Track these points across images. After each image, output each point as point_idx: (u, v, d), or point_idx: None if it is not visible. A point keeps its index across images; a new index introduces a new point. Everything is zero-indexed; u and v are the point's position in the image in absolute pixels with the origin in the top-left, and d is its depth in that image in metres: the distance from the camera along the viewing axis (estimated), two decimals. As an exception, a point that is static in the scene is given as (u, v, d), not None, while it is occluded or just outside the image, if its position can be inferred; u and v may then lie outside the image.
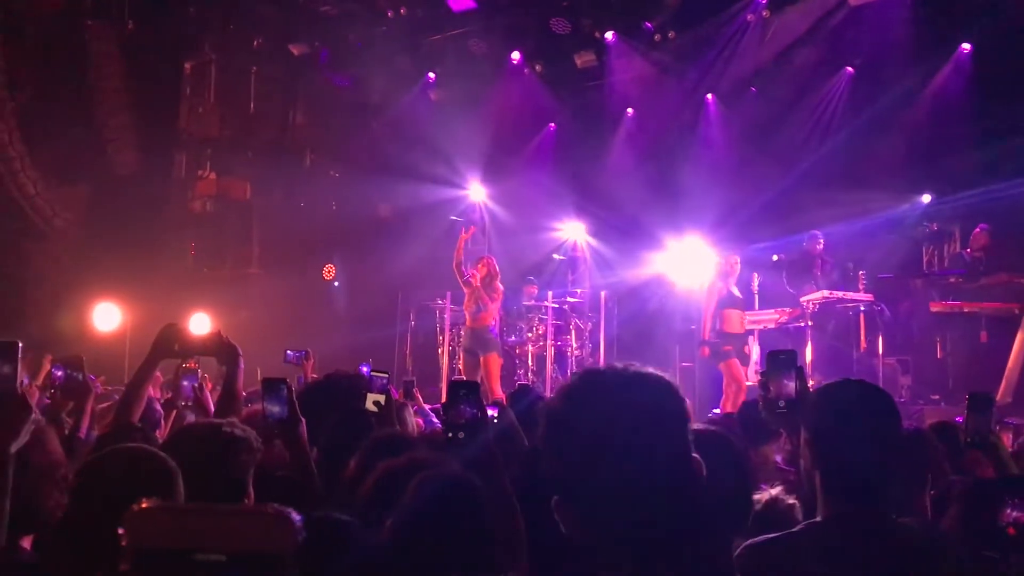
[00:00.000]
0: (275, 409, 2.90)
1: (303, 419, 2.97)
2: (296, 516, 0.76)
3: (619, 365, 1.44)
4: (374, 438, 3.03)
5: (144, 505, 0.75)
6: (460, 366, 10.31)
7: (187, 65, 13.35)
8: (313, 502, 2.56)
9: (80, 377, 3.80)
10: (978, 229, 10.21)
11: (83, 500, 2.11)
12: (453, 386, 2.93)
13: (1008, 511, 2.13)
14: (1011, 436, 6.23)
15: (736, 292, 9.64)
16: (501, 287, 10.25)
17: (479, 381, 7.02)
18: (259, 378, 5.00)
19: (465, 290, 10.22)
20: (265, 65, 13.73)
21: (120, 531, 0.75)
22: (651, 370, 1.45)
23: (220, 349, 3.49)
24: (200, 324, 10.75)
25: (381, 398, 3.71)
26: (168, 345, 3.41)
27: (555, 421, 1.42)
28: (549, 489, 1.41)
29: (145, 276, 11.75)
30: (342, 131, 13.65)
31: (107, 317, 11.24)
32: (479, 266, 10.17)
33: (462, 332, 10.62)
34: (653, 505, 1.35)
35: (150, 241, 12.41)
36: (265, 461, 3.04)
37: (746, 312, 9.99)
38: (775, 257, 11.14)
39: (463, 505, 2.16)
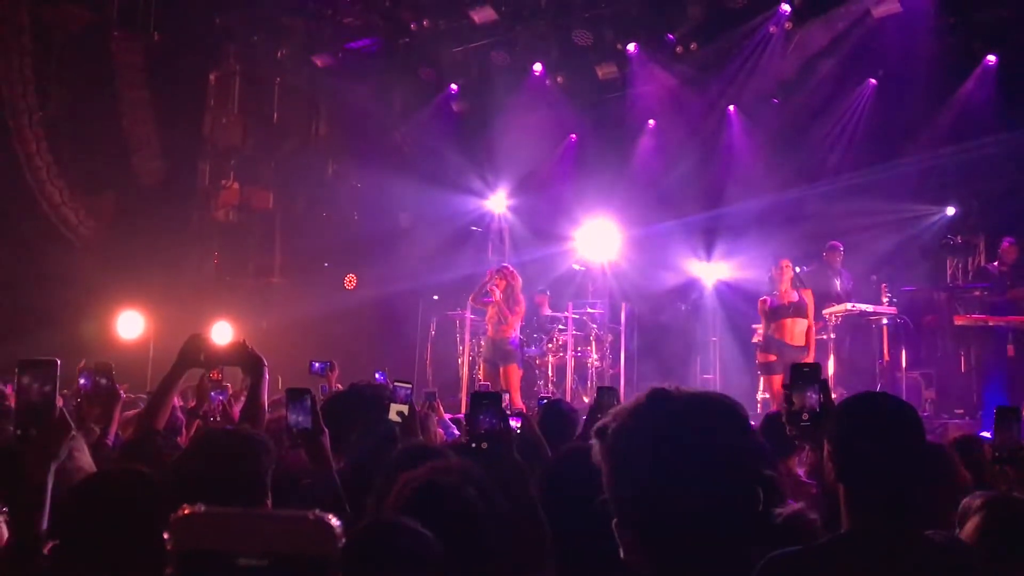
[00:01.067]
0: (299, 419, 2.92)
1: (326, 429, 2.98)
2: (336, 521, 0.77)
3: (685, 387, 1.44)
4: (402, 449, 3.04)
5: (188, 511, 0.76)
6: (480, 376, 10.34)
7: (212, 76, 13.50)
8: (337, 512, 2.57)
9: (109, 384, 3.84)
10: (1007, 243, 10.12)
11: (67, 521, 2.12)
12: (476, 397, 2.95)
13: None
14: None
15: (789, 298, 9.06)
16: (523, 298, 10.27)
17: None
18: (280, 387, 5.03)
19: (490, 307, 10.28)
20: (289, 75, 13.84)
21: (165, 535, 0.76)
22: (718, 393, 1.46)
23: (245, 359, 3.51)
24: (223, 333, 10.83)
25: (404, 408, 3.72)
26: (194, 355, 3.44)
27: (620, 442, 1.41)
28: (572, 500, 1.42)
29: (169, 285, 11.85)
30: (365, 141, 13.73)
31: (131, 325, 11.35)
32: (498, 279, 10.20)
33: (483, 343, 10.63)
34: (717, 534, 1.35)
35: (174, 250, 12.52)
36: (290, 467, 3.06)
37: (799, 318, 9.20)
38: (797, 269, 11.08)
39: (454, 518, 2.15)
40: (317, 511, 0.77)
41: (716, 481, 1.36)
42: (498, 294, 10.06)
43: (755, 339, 10.63)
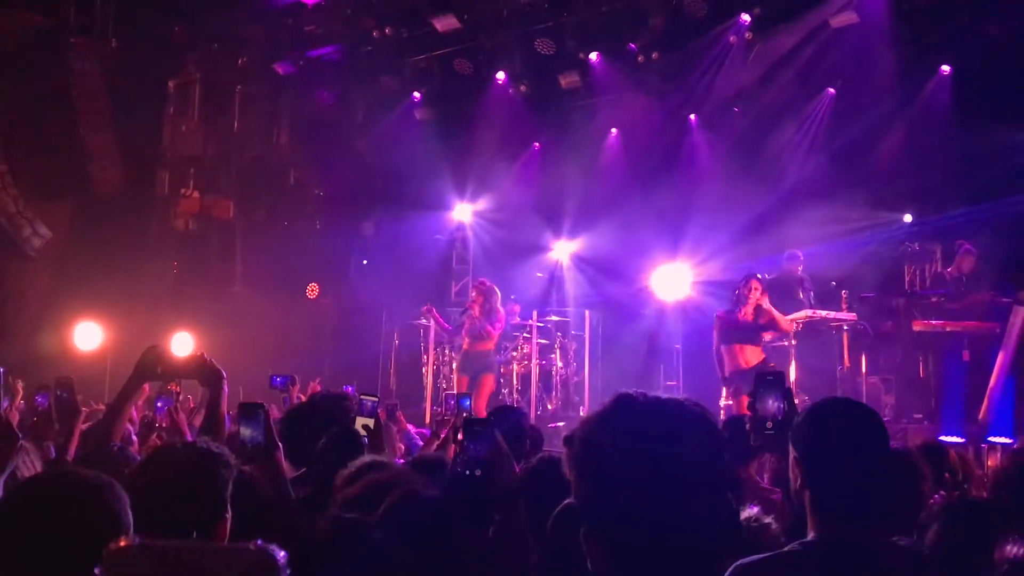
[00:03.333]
0: (251, 434, 2.86)
1: (280, 444, 2.93)
2: (280, 553, 0.74)
3: (652, 393, 1.43)
4: (359, 465, 3.01)
5: (123, 543, 0.73)
6: (455, 389, 10.11)
7: (171, 83, 13.33)
8: (292, 528, 2.53)
9: (69, 398, 3.77)
10: (963, 250, 10.27)
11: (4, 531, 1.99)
12: (468, 423, 2.91)
13: (1008, 547, 2.12)
14: (997, 456, 6.26)
15: (747, 319, 8.86)
16: (501, 309, 10.22)
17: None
18: (242, 398, 4.97)
19: (467, 320, 10.20)
20: (250, 84, 13.72)
21: (97, 570, 0.73)
22: (686, 399, 1.44)
23: (203, 372, 3.45)
24: (182, 343, 10.68)
25: (370, 422, 3.68)
26: (151, 367, 3.39)
27: (588, 450, 1.39)
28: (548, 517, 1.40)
29: (127, 295, 11.67)
30: (326, 150, 13.65)
31: (88, 336, 11.15)
32: (473, 294, 10.22)
33: (456, 355, 10.59)
34: (687, 541, 1.34)
35: (132, 260, 12.33)
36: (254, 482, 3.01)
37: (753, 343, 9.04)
38: (759, 275, 11.18)
39: (440, 527, 2.14)
40: (259, 542, 0.74)
41: (685, 488, 1.34)
42: (477, 309, 10.01)
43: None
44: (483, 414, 8.58)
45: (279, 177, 14.17)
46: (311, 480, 3.08)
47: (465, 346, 10.16)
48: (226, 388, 3.43)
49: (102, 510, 1.91)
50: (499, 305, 10.11)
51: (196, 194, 13.55)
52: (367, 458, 3.20)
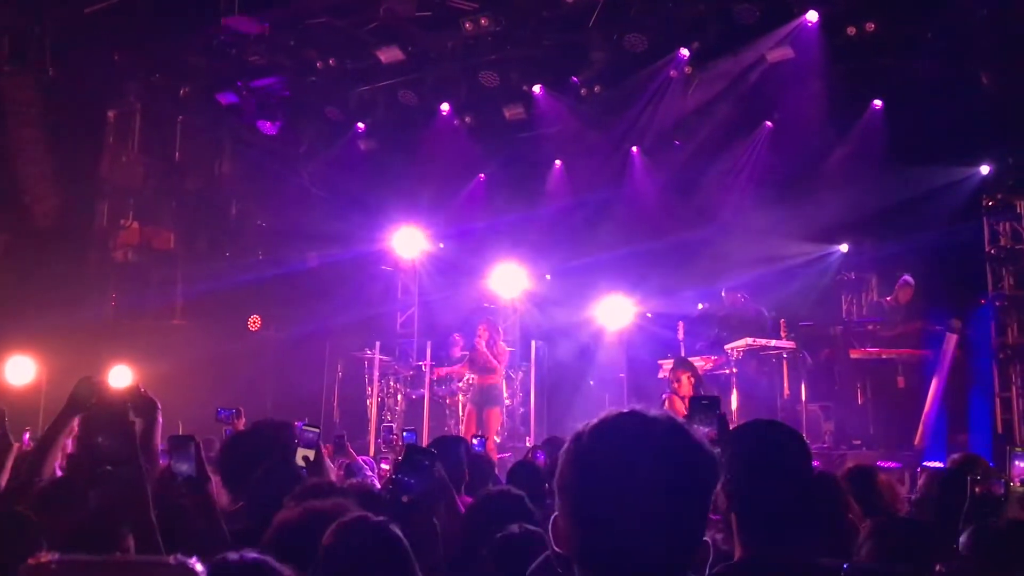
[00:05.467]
0: (183, 467, 2.82)
1: (211, 477, 2.89)
2: (199, 566, 0.74)
3: (640, 408, 1.45)
4: (306, 488, 2.98)
5: (43, 559, 0.72)
6: (463, 417, 11.10)
7: (110, 113, 13.13)
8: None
9: (0, 432, 3.67)
10: (902, 282, 10.53)
11: None
12: (411, 450, 2.89)
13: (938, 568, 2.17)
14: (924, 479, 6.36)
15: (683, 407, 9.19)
16: (504, 346, 11.06)
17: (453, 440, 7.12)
18: (181, 431, 4.88)
19: (473, 356, 10.99)
20: (191, 114, 13.58)
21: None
22: (670, 415, 1.47)
23: (137, 403, 3.39)
24: (121, 376, 10.44)
25: (311, 453, 3.63)
26: (84, 399, 3.32)
27: (573, 468, 1.41)
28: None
29: (63, 327, 11.37)
30: (270, 181, 13.55)
31: (20, 371, 10.84)
32: (480, 331, 10.96)
33: (467, 387, 11.42)
34: (665, 557, 1.36)
35: (69, 291, 12.04)
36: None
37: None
38: (700, 305, 11.35)
39: (384, 552, 2.13)
40: (178, 555, 0.74)
41: (667, 509, 1.36)
42: (483, 345, 10.75)
43: (661, 374, 10.82)
44: (493, 447, 8.98)
45: (221, 208, 14.01)
46: (248, 512, 3.04)
47: (475, 380, 11.00)
48: (160, 420, 3.37)
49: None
50: (502, 341, 11.02)
51: (136, 225, 13.31)
52: (312, 481, 3.17)
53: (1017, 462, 3.94)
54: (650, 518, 1.35)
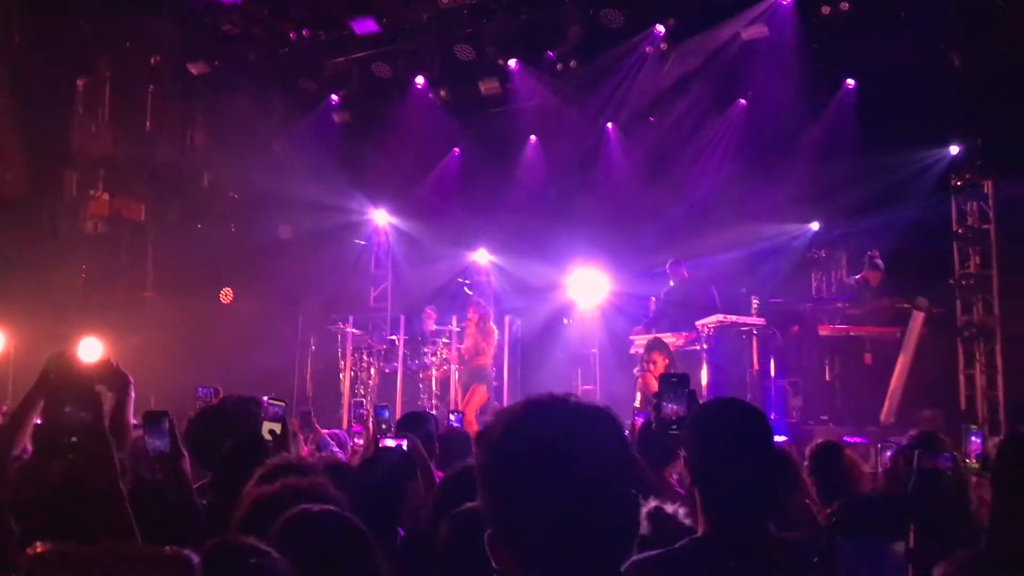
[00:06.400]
0: (156, 443, 2.82)
1: (185, 453, 2.90)
2: (194, 557, 0.76)
3: (561, 395, 1.42)
4: (273, 464, 2.99)
5: (40, 549, 0.74)
6: (456, 399, 11.27)
7: (79, 82, 12.93)
8: (197, 536, 2.51)
9: None
10: (872, 264, 10.63)
11: None
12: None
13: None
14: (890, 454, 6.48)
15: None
16: (494, 328, 11.15)
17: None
18: (153, 405, 4.87)
19: (466, 337, 11.12)
20: (163, 84, 13.40)
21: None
22: (592, 401, 1.44)
23: (110, 377, 3.39)
24: (91, 349, 10.37)
25: (277, 427, 3.63)
26: (55, 374, 3.30)
27: (493, 452, 1.39)
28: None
29: (33, 299, 11.26)
30: (242, 152, 13.42)
31: (-11, 342, 10.73)
32: (470, 313, 11.08)
33: (458, 370, 11.54)
34: (591, 539, 1.34)
35: (39, 263, 11.91)
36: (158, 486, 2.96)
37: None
38: (653, 299, 11.40)
39: (344, 545, 2.15)
40: (174, 546, 0.76)
41: (591, 490, 1.35)
42: (473, 327, 10.88)
43: (632, 350, 10.91)
44: (472, 419, 9.03)
45: (193, 179, 13.87)
46: (215, 487, 3.05)
47: (465, 360, 11.11)
48: (132, 394, 3.37)
49: None
50: (491, 324, 11.11)
51: (106, 196, 13.15)
52: (282, 459, 3.18)
53: (972, 439, 4.05)
54: (581, 503, 1.33)
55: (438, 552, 2.69)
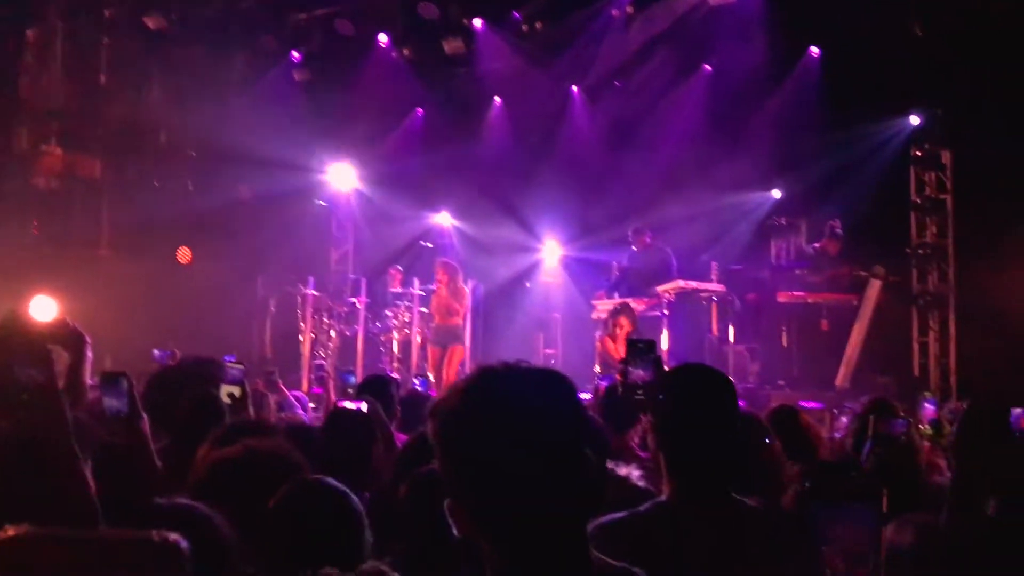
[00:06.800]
0: (114, 404, 2.75)
1: (144, 415, 2.84)
2: (184, 543, 0.72)
3: (514, 362, 1.44)
4: (228, 425, 2.95)
5: (12, 532, 0.69)
6: (429, 358, 10.97)
7: (29, 32, 12.54)
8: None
9: None
10: (832, 233, 10.73)
11: None
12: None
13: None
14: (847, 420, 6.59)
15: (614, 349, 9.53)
16: (464, 287, 10.92)
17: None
18: (109, 365, 4.78)
19: (434, 297, 10.91)
20: (118, 37, 13.04)
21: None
22: (546, 367, 1.47)
23: (65, 336, 3.30)
24: (44, 307, 10.16)
25: (236, 390, 3.57)
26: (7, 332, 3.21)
27: (451, 422, 1.40)
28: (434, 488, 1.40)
29: (-19, 256, 11.01)
30: (201, 109, 13.13)
31: (-63, 300, 10.48)
32: (439, 274, 10.85)
33: (429, 328, 11.25)
34: (549, 504, 1.36)
35: (-12, 218, 11.64)
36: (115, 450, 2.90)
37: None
38: (615, 264, 11.42)
39: (331, 510, 2.13)
40: (161, 531, 0.72)
41: (548, 456, 1.36)
42: (444, 289, 10.66)
43: (594, 315, 10.95)
44: (454, 380, 8.99)
45: (150, 136, 13.56)
46: (172, 450, 3.01)
47: (436, 321, 10.85)
48: (89, 354, 3.29)
49: None
50: (462, 284, 10.87)
51: (59, 151, 12.84)
52: (240, 420, 3.14)
53: (926, 405, 4.13)
54: (539, 468, 1.35)
55: (401, 514, 2.68)
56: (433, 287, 11.66)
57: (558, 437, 1.38)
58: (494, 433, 1.36)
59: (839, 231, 10.68)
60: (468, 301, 10.99)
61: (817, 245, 11.04)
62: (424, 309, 11.67)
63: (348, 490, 2.20)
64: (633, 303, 10.34)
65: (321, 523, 2.06)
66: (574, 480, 1.38)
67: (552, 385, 1.42)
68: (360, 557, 2.09)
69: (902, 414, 3.86)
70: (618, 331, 9.52)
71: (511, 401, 1.38)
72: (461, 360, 10.69)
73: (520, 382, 1.41)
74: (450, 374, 10.07)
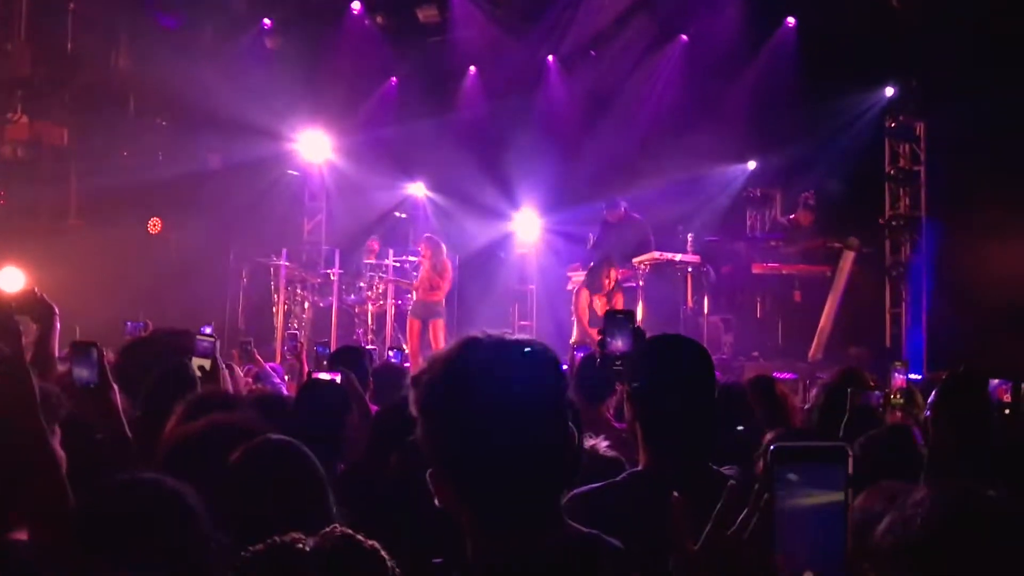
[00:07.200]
0: (84, 374, 2.72)
1: (115, 385, 2.80)
2: None
3: (497, 333, 1.45)
4: (197, 397, 2.91)
5: None
6: (410, 331, 10.99)
7: (-7, -2, 12.25)
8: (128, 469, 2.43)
9: None
10: (805, 205, 10.76)
11: None
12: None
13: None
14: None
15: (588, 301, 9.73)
16: (448, 261, 10.99)
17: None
18: (79, 337, 4.71)
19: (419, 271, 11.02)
20: (84, 3, 12.75)
21: None
22: (529, 338, 1.48)
23: (34, 307, 3.24)
24: (11, 279, 10.00)
25: (207, 363, 3.53)
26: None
27: (434, 391, 1.40)
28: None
29: (-53, 226, 10.81)
30: (170, 77, 12.89)
31: (-99, 271, 10.28)
32: (423, 249, 10.93)
33: (410, 301, 11.41)
34: (532, 474, 1.38)
35: (-48, 188, 11.41)
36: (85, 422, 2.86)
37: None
38: (591, 236, 11.39)
39: (294, 470, 2.10)
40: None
41: (528, 426, 1.37)
42: (428, 264, 10.73)
43: (569, 286, 10.95)
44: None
45: (118, 104, 13.30)
46: (144, 423, 2.97)
47: (418, 296, 10.96)
48: (58, 325, 3.24)
49: None
50: (446, 258, 10.94)
51: (25, 119, 12.58)
52: (207, 391, 3.10)
53: (897, 375, 4.17)
54: (518, 438, 1.36)
55: (383, 484, 2.66)
56: (411, 258, 11.65)
57: (541, 407, 1.39)
58: (477, 402, 1.36)
59: (812, 202, 10.73)
60: (451, 275, 11.01)
61: (791, 217, 11.08)
62: (398, 280, 11.63)
63: (308, 451, 2.18)
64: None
65: (279, 480, 2.04)
66: (555, 450, 1.40)
67: (535, 355, 1.43)
68: (327, 521, 2.08)
69: (872, 384, 3.90)
70: (606, 282, 9.61)
71: (494, 370, 1.38)
72: (444, 333, 10.71)
73: (503, 352, 1.41)
74: (437, 348, 10.10)
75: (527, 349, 1.43)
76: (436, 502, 1.41)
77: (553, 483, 1.42)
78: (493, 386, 1.37)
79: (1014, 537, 1.37)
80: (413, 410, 1.43)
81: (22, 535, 2.00)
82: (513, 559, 1.37)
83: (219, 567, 1.60)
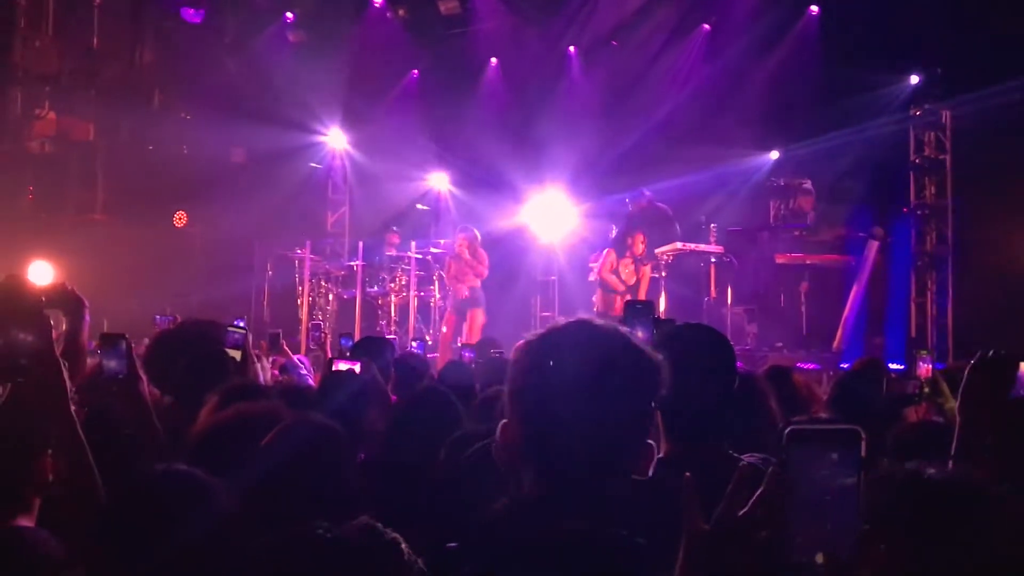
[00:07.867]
0: (113, 365, 2.76)
1: (143, 376, 2.85)
2: None
3: (588, 317, 1.58)
4: (231, 386, 2.95)
5: None
6: (446, 324, 11.09)
7: (20, -5, 12.38)
8: (156, 460, 2.47)
9: None
10: (803, 189, 10.70)
11: None
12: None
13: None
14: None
15: (628, 282, 9.95)
16: (484, 253, 10.97)
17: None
18: (107, 330, 4.78)
19: (453, 264, 10.93)
20: (110, -1, 12.88)
21: None
22: (610, 324, 1.60)
23: (65, 301, 3.30)
24: (41, 273, 10.15)
25: (237, 354, 3.57)
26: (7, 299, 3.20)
27: (515, 363, 1.55)
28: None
29: (-24, 221, 10.98)
30: (194, 71, 13.00)
31: (-66, 265, 10.45)
32: (460, 239, 10.88)
33: (446, 298, 11.50)
34: (605, 459, 1.49)
35: (-18, 184, 11.57)
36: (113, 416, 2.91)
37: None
38: (613, 227, 11.39)
39: (328, 453, 2.14)
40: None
41: (606, 409, 1.47)
42: (465, 252, 10.73)
43: (591, 277, 10.94)
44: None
45: (143, 98, 13.42)
46: (176, 409, 3.01)
47: (456, 288, 10.94)
48: (88, 318, 3.29)
49: None
50: (481, 248, 10.95)
51: (52, 115, 12.73)
52: (238, 381, 3.14)
53: (922, 364, 4.15)
54: (593, 419, 1.46)
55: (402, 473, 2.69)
56: (433, 250, 11.67)
57: (602, 386, 1.48)
58: (540, 377, 1.50)
59: (807, 186, 10.67)
60: (487, 265, 11.02)
61: (792, 203, 11.00)
62: (420, 271, 11.68)
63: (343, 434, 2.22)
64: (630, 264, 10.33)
65: (308, 456, 2.08)
66: (600, 432, 1.48)
67: (611, 338, 1.55)
68: (351, 507, 2.12)
69: (891, 376, 3.89)
70: (632, 245, 9.89)
71: (559, 350, 1.51)
72: (483, 324, 10.69)
73: (596, 334, 1.54)
74: (472, 338, 10.00)
75: (609, 332, 1.55)
76: (498, 440, 1.54)
77: (623, 469, 1.53)
78: (579, 369, 1.48)
79: (951, 517, 1.45)
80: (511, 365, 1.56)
81: (28, 522, 2.04)
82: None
83: (243, 557, 1.64)
